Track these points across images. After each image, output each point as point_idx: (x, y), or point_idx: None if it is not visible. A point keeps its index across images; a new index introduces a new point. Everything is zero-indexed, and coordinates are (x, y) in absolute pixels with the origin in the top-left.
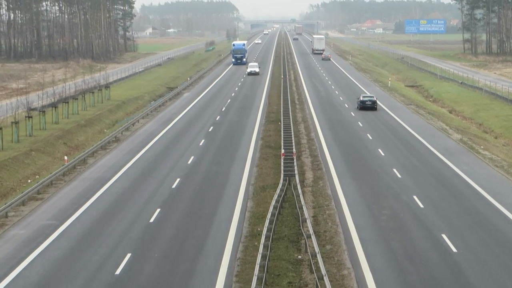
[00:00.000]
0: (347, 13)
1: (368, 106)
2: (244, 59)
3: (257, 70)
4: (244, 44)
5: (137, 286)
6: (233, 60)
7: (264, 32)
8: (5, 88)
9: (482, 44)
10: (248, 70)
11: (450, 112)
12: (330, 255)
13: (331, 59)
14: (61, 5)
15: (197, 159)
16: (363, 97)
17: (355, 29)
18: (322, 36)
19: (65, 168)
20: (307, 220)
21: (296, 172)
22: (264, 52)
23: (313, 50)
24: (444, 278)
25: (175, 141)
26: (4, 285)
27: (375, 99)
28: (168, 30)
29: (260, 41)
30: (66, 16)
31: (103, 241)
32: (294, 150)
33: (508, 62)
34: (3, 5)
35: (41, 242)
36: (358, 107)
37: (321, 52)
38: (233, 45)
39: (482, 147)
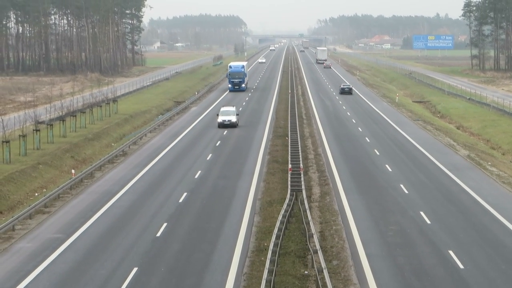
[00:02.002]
0: (355, 28)
1: (346, 91)
2: (243, 85)
3: (233, 119)
4: (243, 66)
5: None
6: (230, 85)
7: (270, 48)
8: (13, 101)
9: (490, 60)
10: (219, 119)
11: (458, 128)
12: (337, 271)
13: (331, 67)
14: (69, 18)
15: (204, 174)
16: (343, 85)
17: (363, 44)
18: (325, 48)
19: (72, 181)
20: (314, 236)
21: (303, 187)
22: (270, 70)
23: (316, 60)
24: None
25: (182, 155)
26: None
27: (351, 86)
28: (176, 44)
29: (264, 60)
30: (75, 30)
31: (109, 255)
32: (301, 165)
33: None
34: (12, 18)
35: (48, 256)
36: (340, 92)
37: (323, 61)
38: (230, 67)
39: (489, 163)
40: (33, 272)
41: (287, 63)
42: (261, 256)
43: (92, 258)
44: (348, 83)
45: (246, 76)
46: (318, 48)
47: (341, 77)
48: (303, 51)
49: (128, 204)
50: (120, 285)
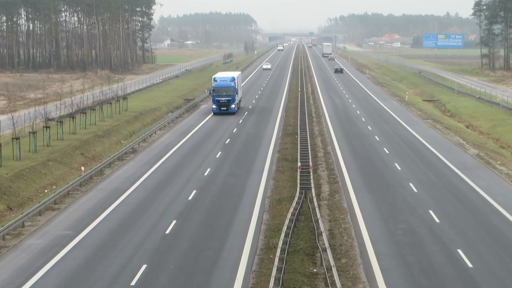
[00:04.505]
0: (365, 27)
1: (338, 71)
2: (233, 105)
3: None
4: (233, 79)
5: None
6: (214, 106)
7: (278, 48)
8: (24, 98)
9: (500, 59)
10: None
11: (467, 127)
12: (346, 269)
13: (335, 59)
14: (80, 16)
15: (214, 171)
16: (336, 66)
17: (373, 43)
18: (329, 44)
19: (82, 178)
20: (323, 234)
21: (312, 185)
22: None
23: (322, 54)
24: None
25: (192, 153)
26: None
27: (342, 67)
28: (186, 42)
29: (269, 66)
30: (85, 27)
31: (119, 252)
32: (310, 163)
33: None
34: (23, 15)
35: (57, 252)
36: (334, 72)
37: (328, 55)
38: (214, 80)
39: (499, 162)
40: (42, 269)
41: (297, 65)
42: (270, 254)
43: (101, 255)
44: (340, 65)
45: (237, 93)
46: (324, 43)
47: (355, 79)
48: (311, 47)
49: (137, 202)
50: (129, 282)
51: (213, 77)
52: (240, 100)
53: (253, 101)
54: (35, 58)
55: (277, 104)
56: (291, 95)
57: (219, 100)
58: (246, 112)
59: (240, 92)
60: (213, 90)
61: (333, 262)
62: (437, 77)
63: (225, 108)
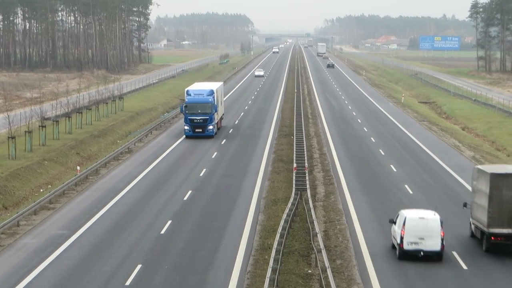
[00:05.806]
0: (362, 28)
1: (330, 66)
2: (211, 126)
3: None
4: (212, 92)
5: None
6: (186, 127)
7: (273, 50)
8: (19, 97)
9: (496, 62)
10: None
11: (463, 129)
12: (340, 270)
13: (329, 58)
14: (76, 15)
15: (209, 172)
16: (328, 62)
17: (369, 45)
18: (324, 44)
19: (77, 178)
20: (318, 235)
21: (307, 186)
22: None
23: (317, 53)
24: None
25: (187, 153)
26: None
27: (333, 63)
28: (183, 42)
29: (261, 73)
30: (82, 27)
31: (114, 251)
32: (306, 164)
33: None
34: (19, 15)
35: (52, 252)
36: (326, 67)
37: (323, 54)
38: (187, 93)
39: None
40: (37, 268)
41: (293, 66)
42: (265, 254)
43: (96, 255)
44: (332, 61)
45: (217, 110)
46: (318, 43)
47: (351, 80)
48: (307, 47)
49: (133, 202)
50: (124, 282)
51: (186, 89)
52: (221, 118)
53: (250, 102)
54: (32, 58)
55: (272, 105)
56: (287, 96)
57: (193, 119)
58: (242, 112)
59: (221, 108)
60: (185, 106)
61: (328, 263)
62: (433, 79)
63: (201, 130)
